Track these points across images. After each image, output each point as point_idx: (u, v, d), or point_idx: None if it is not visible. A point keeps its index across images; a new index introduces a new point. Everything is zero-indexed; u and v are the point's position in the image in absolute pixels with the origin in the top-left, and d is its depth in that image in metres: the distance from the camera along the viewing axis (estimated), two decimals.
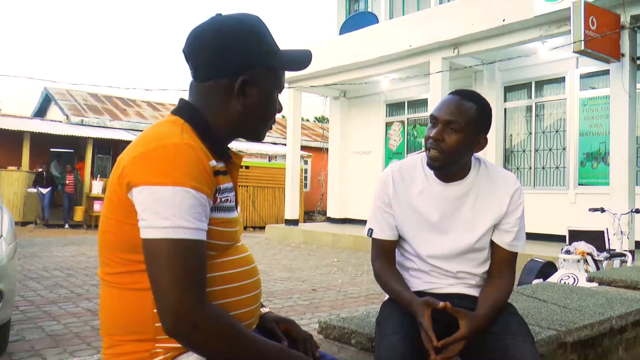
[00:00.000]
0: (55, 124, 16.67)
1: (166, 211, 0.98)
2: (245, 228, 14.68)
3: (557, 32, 8.24)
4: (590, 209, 5.62)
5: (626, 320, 2.29)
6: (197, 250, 1.01)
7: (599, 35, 7.27)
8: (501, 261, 1.67)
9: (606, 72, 8.40)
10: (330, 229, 12.25)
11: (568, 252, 4.69)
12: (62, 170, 15.38)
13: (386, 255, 1.73)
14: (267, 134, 1.25)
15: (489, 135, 1.69)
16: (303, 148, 16.23)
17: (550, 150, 10.10)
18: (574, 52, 7.51)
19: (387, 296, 1.73)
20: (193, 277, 0.99)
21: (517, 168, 10.53)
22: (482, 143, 1.64)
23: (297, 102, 13.14)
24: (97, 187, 14.95)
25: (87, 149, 15.76)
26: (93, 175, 15.82)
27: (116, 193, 1.05)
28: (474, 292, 1.68)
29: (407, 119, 12.79)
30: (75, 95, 19.57)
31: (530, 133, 10.37)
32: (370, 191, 1.78)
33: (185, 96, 1.20)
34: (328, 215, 14.37)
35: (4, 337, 3.68)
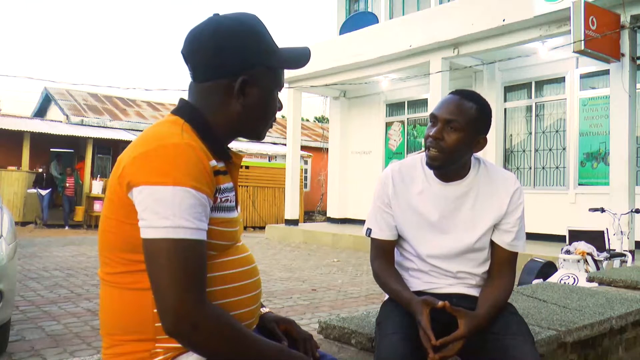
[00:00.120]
0: (55, 124, 16.68)
1: (166, 211, 0.98)
2: (245, 228, 14.67)
3: (557, 32, 8.25)
4: (590, 209, 5.62)
5: (626, 320, 2.29)
6: (198, 250, 1.01)
7: (599, 35, 7.27)
8: (501, 261, 1.67)
9: (606, 72, 8.40)
10: (330, 229, 12.25)
11: (568, 252, 4.69)
12: (62, 171, 15.38)
13: (385, 255, 1.73)
14: (267, 133, 1.25)
15: (489, 135, 1.69)
16: (303, 148, 16.23)
17: (550, 150, 10.10)
18: (574, 52, 7.51)
19: (387, 296, 1.73)
20: (193, 277, 0.99)
21: (517, 168, 10.53)
22: (481, 143, 1.64)
23: (297, 102, 13.14)
24: (97, 187, 14.96)
25: (87, 149, 15.76)
26: (93, 175, 15.83)
27: (116, 193, 1.05)
28: (474, 292, 1.67)
29: (407, 119, 12.79)
30: (75, 95, 19.57)
31: (530, 133, 10.37)
32: (370, 191, 1.78)
33: (185, 96, 1.20)
34: (328, 215, 14.37)
35: (4, 337, 3.68)
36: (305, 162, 19.75)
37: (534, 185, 10.18)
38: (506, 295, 1.64)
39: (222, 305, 1.08)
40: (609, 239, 5.30)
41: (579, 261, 4.58)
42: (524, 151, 10.52)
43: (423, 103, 12.26)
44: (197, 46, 1.14)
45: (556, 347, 1.95)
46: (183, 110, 1.15)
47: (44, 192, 13.90)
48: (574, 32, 7.25)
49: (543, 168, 10.19)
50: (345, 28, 12.81)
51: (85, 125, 16.89)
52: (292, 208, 13.05)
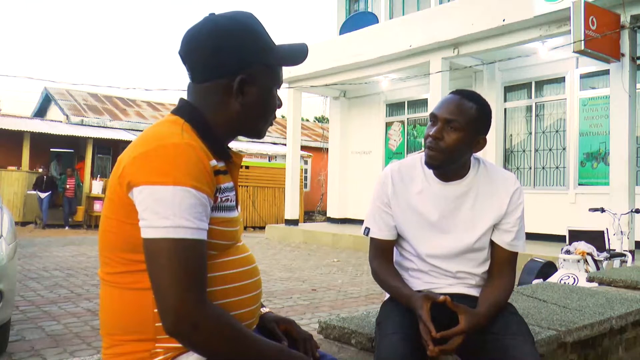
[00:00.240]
0: (55, 124, 16.68)
1: (167, 211, 0.98)
2: (245, 228, 14.67)
3: (557, 32, 8.25)
4: (590, 209, 5.62)
5: (626, 320, 2.29)
6: (198, 250, 1.01)
7: (599, 35, 7.27)
8: (501, 261, 1.67)
9: (606, 72, 8.40)
10: (330, 229, 12.25)
11: (568, 252, 4.69)
12: (62, 171, 15.37)
13: (384, 254, 1.73)
14: (267, 133, 1.25)
15: (489, 135, 1.69)
16: (303, 148, 16.23)
17: (550, 150, 10.10)
18: (574, 52, 7.51)
19: (387, 296, 1.73)
20: (193, 276, 0.99)
21: (517, 168, 10.53)
22: (481, 143, 1.64)
23: (297, 102, 13.14)
24: (97, 187, 14.96)
25: (87, 149, 15.76)
26: (93, 175, 15.83)
27: (116, 193, 1.05)
28: (474, 292, 1.67)
29: (407, 119, 12.79)
30: (75, 95, 19.57)
31: (530, 133, 10.37)
32: (370, 191, 1.78)
33: (185, 96, 1.20)
34: (328, 215, 14.37)
35: (4, 337, 3.68)
36: (305, 162, 19.75)
37: (534, 185, 10.18)
38: (506, 295, 1.64)
39: (222, 305, 1.08)
40: (609, 239, 5.30)
41: (579, 261, 4.57)
42: (524, 151, 10.52)
43: (423, 103, 12.26)
44: (194, 46, 1.14)
45: (556, 347, 1.95)
46: (183, 110, 1.15)
47: (43, 195, 13.86)
48: (574, 32, 7.25)
49: (543, 168, 10.19)
50: (345, 28, 12.81)
51: (85, 125, 16.90)
52: (292, 208, 13.05)
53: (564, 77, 9.80)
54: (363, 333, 1.81)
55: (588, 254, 4.62)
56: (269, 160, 18.42)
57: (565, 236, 5.58)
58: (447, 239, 1.66)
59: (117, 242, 1.07)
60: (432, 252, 1.67)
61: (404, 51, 10.30)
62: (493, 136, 10.29)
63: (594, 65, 8.88)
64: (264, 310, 1.36)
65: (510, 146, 10.75)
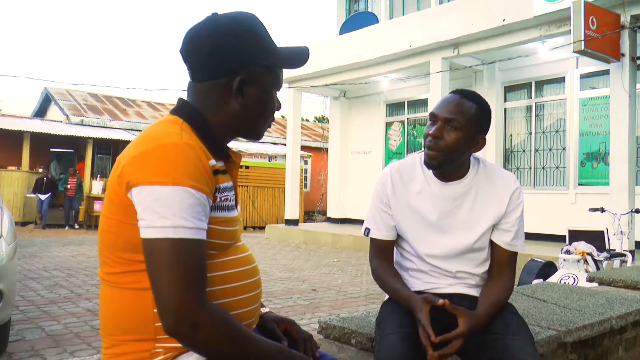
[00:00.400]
0: (55, 124, 16.68)
1: (166, 211, 0.98)
2: (245, 228, 14.68)
3: (557, 32, 8.25)
4: (590, 209, 5.62)
5: (626, 320, 2.28)
6: (197, 250, 1.01)
7: (599, 35, 7.27)
8: (501, 261, 1.67)
9: (606, 72, 8.40)
10: (330, 229, 12.25)
11: (568, 252, 4.69)
12: (62, 171, 15.35)
13: (384, 254, 1.73)
14: (267, 133, 1.25)
15: (489, 135, 1.69)
16: (303, 148, 16.23)
17: (550, 150, 10.10)
18: (574, 52, 7.51)
19: (387, 296, 1.73)
20: (193, 276, 0.99)
21: (517, 168, 10.53)
22: (480, 143, 1.64)
23: (297, 102, 13.15)
24: (97, 187, 14.95)
25: (87, 149, 15.77)
26: (93, 175, 15.83)
27: (116, 193, 1.05)
28: (474, 292, 1.67)
29: (407, 119, 12.79)
30: (75, 95, 19.58)
31: (530, 133, 10.37)
32: (370, 191, 1.78)
33: (185, 96, 1.20)
34: (328, 215, 14.37)
35: (4, 337, 3.68)
36: (305, 162, 19.75)
37: (534, 185, 10.18)
38: (506, 295, 1.64)
39: (222, 304, 1.08)
40: (609, 239, 5.30)
41: (579, 261, 4.57)
42: (524, 151, 10.52)
43: (423, 103, 12.26)
44: (195, 45, 1.14)
45: (556, 347, 1.95)
46: (182, 109, 1.15)
47: (43, 197, 13.84)
48: (574, 32, 7.25)
49: (543, 168, 10.19)
50: (345, 28, 12.81)
51: (85, 125, 16.90)
52: (292, 208, 13.05)
53: (564, 77, 9.80)
54: (363, 333, 1.81)
55: (588, 254, 4.62)
56: (269, 160, 18.41)
57: (565, 236, 5.58)
58: (446, 239, 1.66)
59: (116, 242, 1.07)
60: (432, 252, 1.67)
61: (404, 51, 10.31)
62: (493, 136, 10.29)
63: (594, 65, 8.88)
64: (264, 310, 1.36)
65: (510, 146, 10.75)
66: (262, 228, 14.92)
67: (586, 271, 4.41)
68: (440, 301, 1.48)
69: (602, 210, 5.48)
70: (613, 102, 7.79)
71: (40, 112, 20.77)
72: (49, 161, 16.30)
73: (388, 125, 13.18)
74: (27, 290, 5.85)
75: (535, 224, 8.46)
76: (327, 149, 14.65)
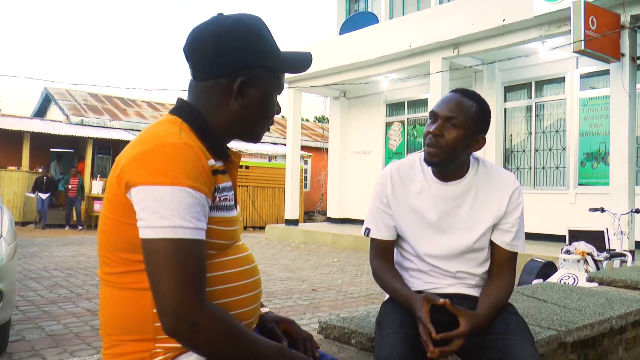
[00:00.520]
0: (55, 124, 16.68)
1: (165, 211, 0.98)
2: (245, 228, 14.68)
3: (557, 32, 8.25)
4: (590, 209, 5.62)
5: (626, 320, 2.28)
6: (197, 250, 1.01)
7: (599, 35, 7.27)
8: (501, 261, 1.67)
9: (606, 72, 8.40)
10: (330, 229, 12.25)
11: (568, 252, 4.69)
12: (63, 171, 15.32)
13: (384, 254, 1.73)
14: (267, 133, 1.25)
15: (488, 135, 1.69)
16: (303, 148, 16.23)
17: (550, 150, 10.10)
18: (574, 52, 7.51)
19: (387, 296, 1.73)
20: (193, 276, 0.99)
21: (517, 168, 10.53)
22: (480, 142, 1.64)
23: (297, 102, 13.14)
24: (97, 187, 14.94)
25: (87, 149, 15.77)
26: (93, 175, 15.82)
27: (115, 193, 1.05)
28: (474, 292, 1.67)
29: (407, 119, 12.79)
30: (75, 95, 19.58)
31: (530, 133, 10.37)
32: (370, 191, 1.78)
33: (185, 96, 1.20)
34: (328, 215, 14.37)
35: (4, 337, 3.68)
36: (305, 162, 19.75)
37: (534, 185, 10.18)
38: (506, 295, 1.64)
39: (222, 304, 1.08)
40: (609, 239, 5.30)
41: (579, 261, 4.57)
42: (524, 151, 10.52)
43: (423, 103, 12.26)
44: (199, 44, 1.14)
45: (556, 347, 1.95)
46: (181, 109, 1.15)
47: (44, 196, 13.79)
48: (574, 32, 7.25)
49: (543, 168, 10.19)
50: (345, 28, 12.81)
51: (85, 125, 16.90)
52: (292, 208, 13.05)
53: (564, 77, 9.80)
54: (363, 333, 1.81)
55: (588, 254, 4.62)
56: (269, 160, 18.42)
57: (565, 236, 5.58)
58: (446, 239, 1.66)
59: (116, 242, 1.07)
60: (432, 252, 1.67)
61: (404, 51, 10.31)
62: (493, 136, 10.30)
63: (594, 65, 8.88)
64: (263, 310, 1.36)
65: (510, 146, 10.75)
66: (262, 228, 14.92)
67: (586, 271, 4.41)
68: (441, 300, 1.48)
69: (602, 210, 5.48)
70: (613, 102, 7.79)
71: (40, 112, 20.77)
72: (49, 161, 16.30)
73: (388, 125, 13.18)
74: (27, 290, 5.85)
75: (535, 224, 8.46)
76: (327, 149, 14.65)
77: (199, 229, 1.02)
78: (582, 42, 7.15)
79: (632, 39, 7.66)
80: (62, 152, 17.11)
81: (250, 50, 1.14)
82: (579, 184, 9.53)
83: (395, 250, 1.77)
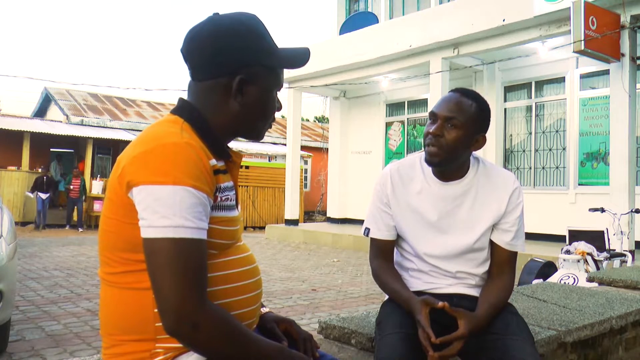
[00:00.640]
0: (55, 124, 16.68)
1: (166, 210, 0.98)
2: (245, 228, 14.66)
3: (557, 32, 8.25)
4: (590, 209, 5.62)
5: (626, 320, 2.28)
6: (198, 250, 1.01)
7: (599, 35, 7.27)
8: (501, 261, 1.67)
9: (606, 72, 8.40)
10: (330, 229, 12.25)
11: (568, 252, 4.69)
12: (63, 171, 15.29)
13: (384, 254, 1.73)
14: (267, 133, 1.25)
15: (488, 135, 1.69)
16: (303, 148, 16.23)
17: (550, 150, 10.10)
18: (574, 52, 7.51)
19: (387, 296, 1.73)
20: (194, 276, 0.99)
21: (517, 168, 10.53)
22: (480, 142, 1.64)
23: (297, 102, 13.15)
24: (97, 187, 14.93)
25: (87, 149, 15.76)
26: (93, 175, 15.81)
27: (116, 193, 1.05)
28: (474, 292, 1.67)
29: (407, 119, 12.79)
30: (75, 95, 19.58)
31: (530, 133, 10.37)
32: (370, 191, 1.78)
33: (185, 96, 1.20)
34: (328, 215, 14.37)
35: (4, 337, 3.68)
36: (305, 162, 19.75)
37: (534, 185, 10.18)
38: (506, 295, 1.64)
39: (222, 304, 1.08)
40: (609, 239, 5.30)
41: (579, 261, 4.57)
42: (524, 151, 10.52)
43: (423, 103, 12.26)
44: (196, 45, 1.14)
45: (556, 347, 1.95)
46: (182, 109, 1.15)
47: (44, 196, 13.73)
48: (574, 32, 7.25)
49: (543, 168, 10.19)
50: (345, 28, 12.81)
51: (85, 125, 16.90)
52: (292, 208, 13.05)
53: (564, 77, 9.80)
54: (363, 333, 1.81)
55: (588, 254, 4.62)
56: (269, 160, 18.42)
57: (565, 236, 5.58)
58: (446, 239, 1.66)
59: (117, 242, 1.07)
60: (432, 252, 1.67)
61: (404, 51, 10.31)
62: (493, 136, 10.30)
63: (594, 65, 8.88)
64: (264, 310, 1.36)
65: (510, 146, 10.75)
66: (262, 228, 14.92)
67: (586, 271, 4.41)
68: (440, 304, 1.47)
69: (602, 210, 5.48)
70: (613, 102, 7.79)
71: (40, 112, 20.77)
72: (49, 161, 16.29)
73: (388, 125, 13.18)
74: (27, 290, 5.85)
75: (535, 224, 8.46)
76: (327, 149, 14.65)
77: (200, 228, 1.02)
78: (582, 42, 7.15)
79: (632, 39, 7.66)
80: (62, 152, 17.11)
81: (249, 49, 1.14)
82: (579, 184, 9.53)
83: (395, 250, 1.77)
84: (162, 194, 0.98)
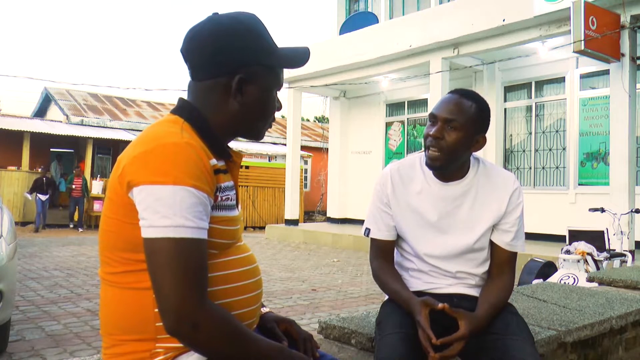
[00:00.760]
0: (55, 124, 16.68)
1: (167, 210, 0.98)
2: (245, 228, 14.63)
3: (557, 32, 8.25)
4: (590, 209, 5.62)
5: (626, 320, 2.28)
6: (198, 249, 1.01)
7: (599, 35, 7.27)
8: (501, 261, 1.67)
9: (606, 72, 8.40)
10: (330, 229, 12.25)
11: (568, 252, 4.69)
12: (64, 171, 15.26)
13: (384, 254, 1.73)
14: (267, 133, 1.25)
15: (488, 135, 1.69)
16: (303, 148, 16.24)
17: (550, 150, 10.10)
18: (574, 52, 7.51)
19: (387, 296, 1.73)
20: (194, 276, 0.99)
21: (517, 168, 10.53)
22: (480, 142, 1.64)
23: (297, 102, 13.15)
24: (97, 187, 14.93)
25: (87, 149, 15.77)
26: (93, 175, 15.81)
27: (117, 192, 1.05)
28: (474, 292, 1.67)
29: (407, 119, 12.79)
30: (75, 95, 19.58)
31: (530, 133, 10.37)
32: (370, 191, 1.78)
33: (185, 96, 1.20)
34: (328, 215, 14.37)
35: (4, 337, 3.68)
36: (305, 162, 19.76)
37: (534, 185, 10.18)
38: (506, 295, 1.64)
39: (223, 304, 1.08)
40: (609, 239, 5.30)
41: (579, 261, 4.57)
42: (524, 151, 10.52)
43: (423, 103, 12.26)
44: (196, 44, 1.14)
45: (556, 347, 1.95)
46: (182, 109, 1.15)
47: (43, 198, 13.65)
48: (574, 32, 7.25)
49: (543, 168, 10.19)
50: (345, 28, 12.81)
51: (85, 125, 16.90)
52: (292, 208, 13.05)
53: (564, 77, 9.80)
54: (363, 333, 1.81)
55: (588, 254, 4.62)
56: (269, 160, 18.42)
57: (565, 236, 5.58)
58: (446, 239, 1.66)
59: (117, 242, 1.07)
60: (432, 252, 1.67)
61: (404, 51, 10.31)
62: (493, 136, 10.30)
63: (594, 65, 8.88)
64: (264, 310, 1.36)
65: (510, 146, 10.75)
66: (262, 228, 14.92)
67: (586, 271, 4.41)
68: (440, 305, 1.47)
69: (602, 210, 5.48)
70: (613, 102, 7.79)
71: (40, 112, 20.78)
72: (49, 161, 16.29)
73: (388, 125, 13.18)
74: (27, 290, 5.85)
75: (535, 224, 8.46)
76: (327, 149, 14.65)
77: (200, 228, 1.02)
78: (582, 42, 7.15)
79: (632, 39, 7.66)
80: (62, 152, 17.12)
81: (248, 48, 1.14)
82: (579, 184, 9.53)
83: (395, 250, 1.77)
84: (163, 194, 0.98)
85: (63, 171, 16.44)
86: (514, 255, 1.68)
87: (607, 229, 5.40)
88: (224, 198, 1.11)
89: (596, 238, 5.19)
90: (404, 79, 11.95)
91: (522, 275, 4.71)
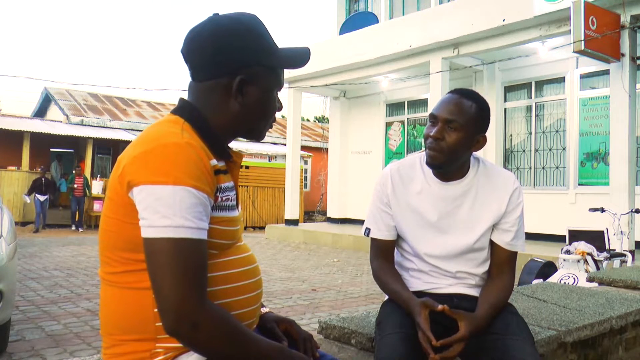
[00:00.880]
0: (55, 124, 16.69)
1: (167, 210, 0.98)
2: (245, 228, 14.64)
3: (557, 32, 8.25)
4: (590, 209, 5.62)
5: (626, 320, 2.28)
6: (198, 250, 1.01)
7: (599, 35, 7.28)
8: (501, 261, 1.67)
9: (606, 72, 8.41)
10: (330, 229, 12.25)
11: (568, 252, 4.69)
12: (64, 171, 15.24)
13: (384, 254, 1.73)
14: (267, 133, 1.25)
15: (488, 135, 1.69)
16: (303, 148, 16.24)
17: (550, 150, 10.10)
18: (574, 52, 7.51)
19: (387, 296, 1.73)
20: (194, 276, 0.99)
21: (517, 168, 10.53)
22: (480, 142, 1.64)
23: (297, 102, 13.15)
24: (97, 187, 14.93)
25: (87, 149, 15.77)
26: (93, 175, 15.81)
27: (117, 192, 1.05)
28: (474, 292, 1.67)
29: (407, 119, 12.79)
30: (75, 95, 19.58)
31: (530, 133, 10.37)
32: (370, 191, 1.78)
33: (185, 96, 1.20)
34: (328, 215, 14.37)
35: (4, 337, 3.68)
36: (305, 162, 19.76)
37: (534, 185, 10.18)
38: (506, 295, 1.64)
39: (223, 304, 1.08)
40: (609, 239, 5.30)
41: (579, 261, 4.57)
42: (524, 151, 10.52)
43: (423, 103, 12.26)
44: (197, 45, 1.14)
45: (556, 347, 1.95)
46: (183, 109, 1.15)
47: (42, 198, 13.58)
48: (574, 32, 7.25)
49: (543, 168, 10.19)
50: (345, 28, 12.82)
51: (85, 125, 16.90)
52: (292, 208, 13.06)
53: (564, 77, 9.80)
54: (363, 333, 1.81)
55: (588, 254, 4.62)
56: (269, 160, 18.42)
57: (565, 236, 5.58)
58: (446, 239, 1.66)
59: (117, 242, 1.07)
60: (432, 252, 1.67)
61: (404, 51, 10.31)
62: (493, 136, 10.30)
63: (594, 65, 8.88)
64: (264, 310, 1.36)
65: (510, 146, 10.75)
66: (262, 228, 14.92)
67: (586, 271, 4.41)
68: (440, 307, 1.47)
69: (602, 210, 5.48)
70: (613, 102, 7.79)
71: (40, 112, 20.78)
72: (49, 161, 16.29)
73: (388, 125, 13.18)
74: (27, 290, 5.85)
75: (535, 224, 8.46)
76: (327, 149, 14.65)
77: (200, 228, 1.02)
78: (582, 42, 7.15)
79: (632, 39, 7.66)
80: (62, 152, 17.11)
81: (249, 49, 1.14)
82: (579, 184, 9.53)
83: (395, 250, 1.77)
84: (163, 194, 0.98)
85: (63, 171, 16.43)
86: (514, 255, 1.68)
87: (607, 229, 5.40)
88: (224, 198, 1.11)
89: (596, 238, 5.19)
90: (404, 79, 11.95)
91: (522, 275, 4.71)
